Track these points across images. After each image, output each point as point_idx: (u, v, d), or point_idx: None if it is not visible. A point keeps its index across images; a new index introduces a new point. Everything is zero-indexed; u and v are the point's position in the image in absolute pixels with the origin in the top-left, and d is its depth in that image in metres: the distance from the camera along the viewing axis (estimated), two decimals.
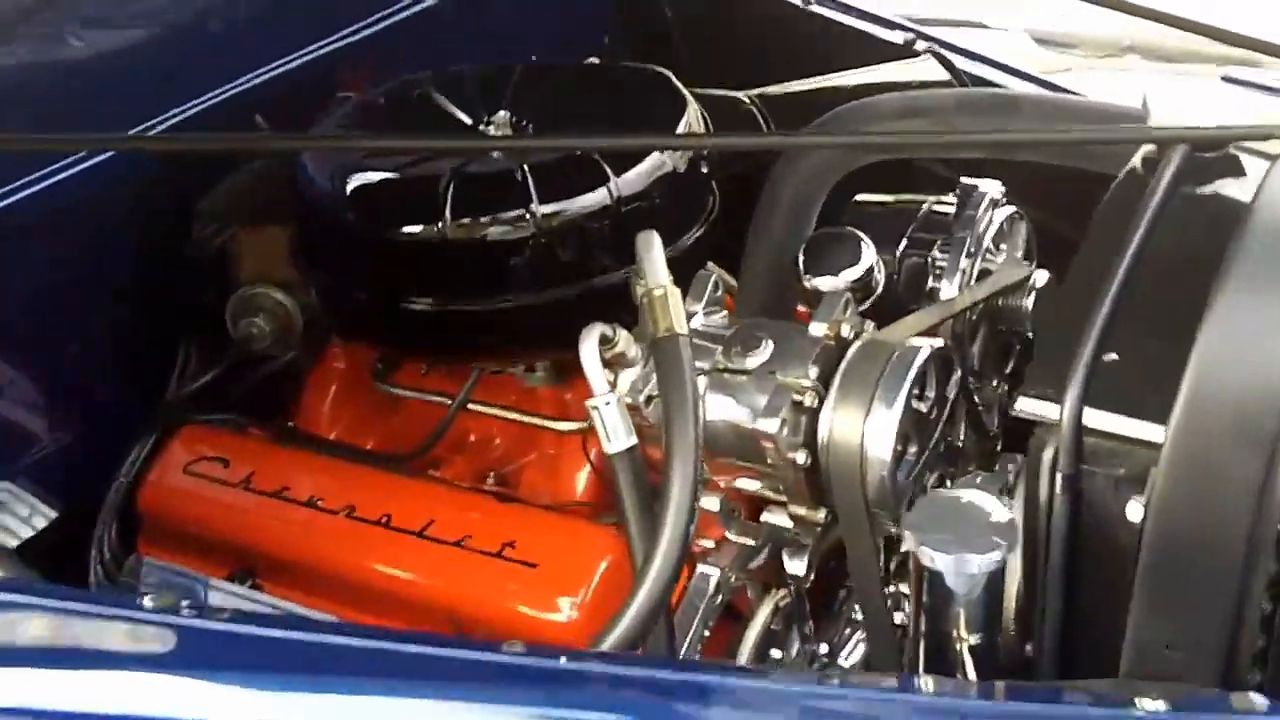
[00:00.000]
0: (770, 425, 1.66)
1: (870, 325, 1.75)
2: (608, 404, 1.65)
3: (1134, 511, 1.35)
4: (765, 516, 1.78)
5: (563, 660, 1.31)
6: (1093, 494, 1.39)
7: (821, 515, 1.71)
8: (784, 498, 1.73)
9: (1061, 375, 1.41)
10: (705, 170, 2.02)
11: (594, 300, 1.89)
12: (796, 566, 1.78)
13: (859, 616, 1.84)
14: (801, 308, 1.92)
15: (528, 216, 1.85)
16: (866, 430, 1.62)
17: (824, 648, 1.86)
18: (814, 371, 1.68)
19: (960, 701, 1.33)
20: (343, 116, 2.15)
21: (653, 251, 1.69)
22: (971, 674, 1.46)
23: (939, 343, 1.70)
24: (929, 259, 1.93)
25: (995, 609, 1.47)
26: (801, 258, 1.87)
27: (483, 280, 1.89)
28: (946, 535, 1.42)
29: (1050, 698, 1.34)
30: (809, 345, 1.70)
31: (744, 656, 1.79)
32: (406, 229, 1.89)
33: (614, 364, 1.73)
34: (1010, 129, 1.86)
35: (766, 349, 1.72)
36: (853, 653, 1.90)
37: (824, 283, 1.85)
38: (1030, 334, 1.93)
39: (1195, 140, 1.61)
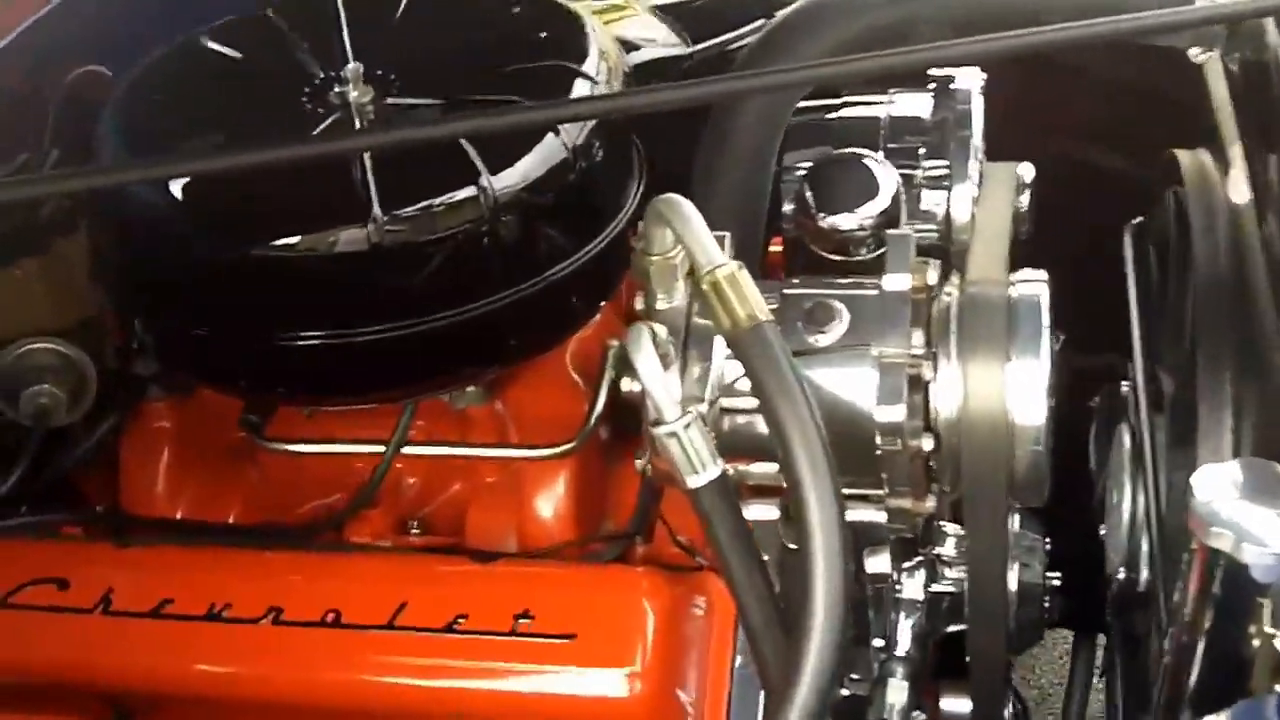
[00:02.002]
0: (894, 413, 1.33)
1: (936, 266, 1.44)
2: (688, 425, 1.28)
3: None
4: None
5: None
6: None
7: (930, 505, 1.42)
8: (880, 490, 1.41)
9: None
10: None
11: (559, 294, 1.50)
12: (879, 564, 1.48)
13: None
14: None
15: (480, 197, 1.42)
16: (1010, 396, 1.33)
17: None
18: (919, 337, 1.36)
19: None
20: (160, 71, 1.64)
21: (693, 224, 1.30)
22: None
23: (1042, 274, 1.42)
24: (918, 170, 1.64)
25: None
26: (810, 194, 1.53)
27: (420, 289, 1.45)
28: (1246, 518, 1.14)
29: None
30: (897, 305, 1.38)
31: None
32: (298, 238, 1.43)
33: None
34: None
35: (842, 319, 1.39)
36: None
37: (845, 220, 1.52)
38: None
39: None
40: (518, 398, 1.66)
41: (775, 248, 1.73)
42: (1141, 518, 1.65)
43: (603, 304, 1.59)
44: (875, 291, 1.40)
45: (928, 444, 1.35)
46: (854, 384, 1.35)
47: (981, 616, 1.51)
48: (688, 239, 1.28)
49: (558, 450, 1.59)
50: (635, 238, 1.41)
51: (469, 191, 1.42)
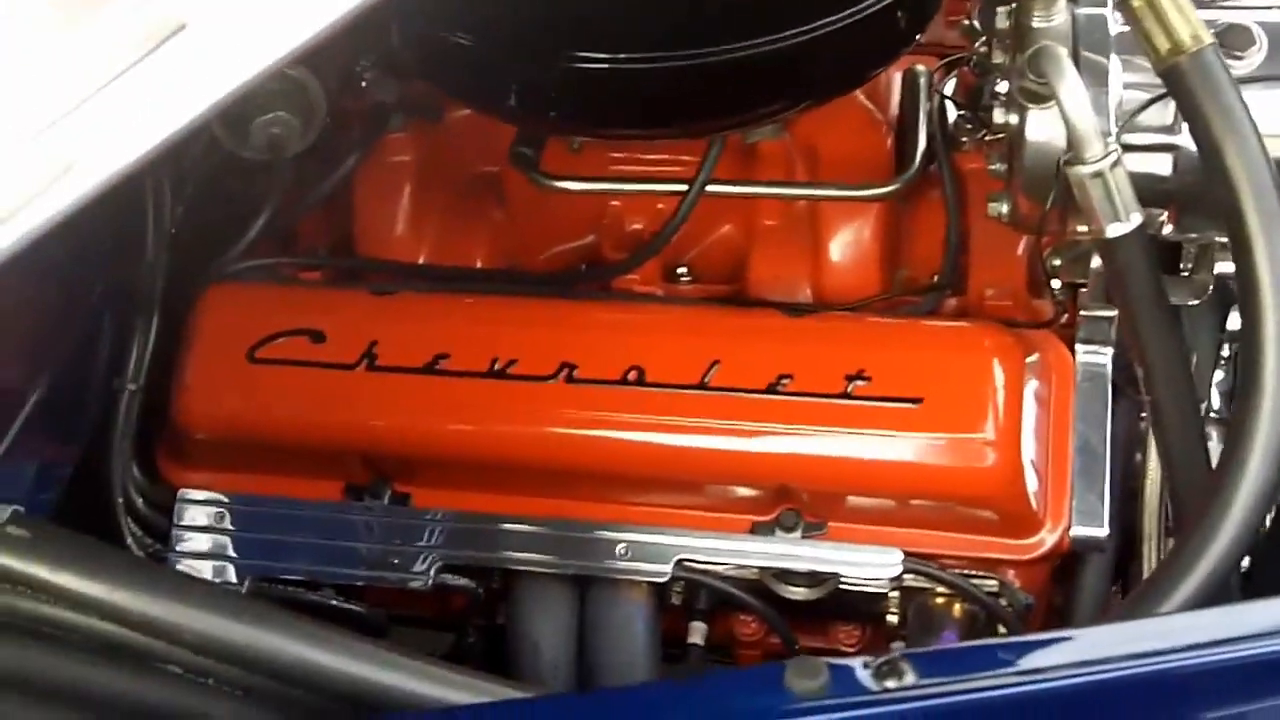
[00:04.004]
0: None
1: None
2: (1115, 164, 1.10)
3: None
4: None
5: None
6: None
7: None
8: None
9: None
10: None
11: (883, 19, 1.29)
12: None
13: None
14: None
15: None
16: None
17: None
18: None
19: None
20: None
21: None
22: None
23: None
24: None
25: None
26: None
27: (737, 9, 1.24)
28: None
29: None
30: None
31: None
32: None
33: None
34: None
35: (1261, 44, 1.20)
36: None
37: None
38: None
39: None
40: (811, 132, 1.47)
41: None
42: None
43: (923, 30, 1.39)
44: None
45: None
46: None
47: None
48: None
49: (884, 190, 1.42)
50: None
51: None
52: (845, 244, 1.48)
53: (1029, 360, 1.35)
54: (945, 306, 1.48)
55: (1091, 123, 1.10)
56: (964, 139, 1.46)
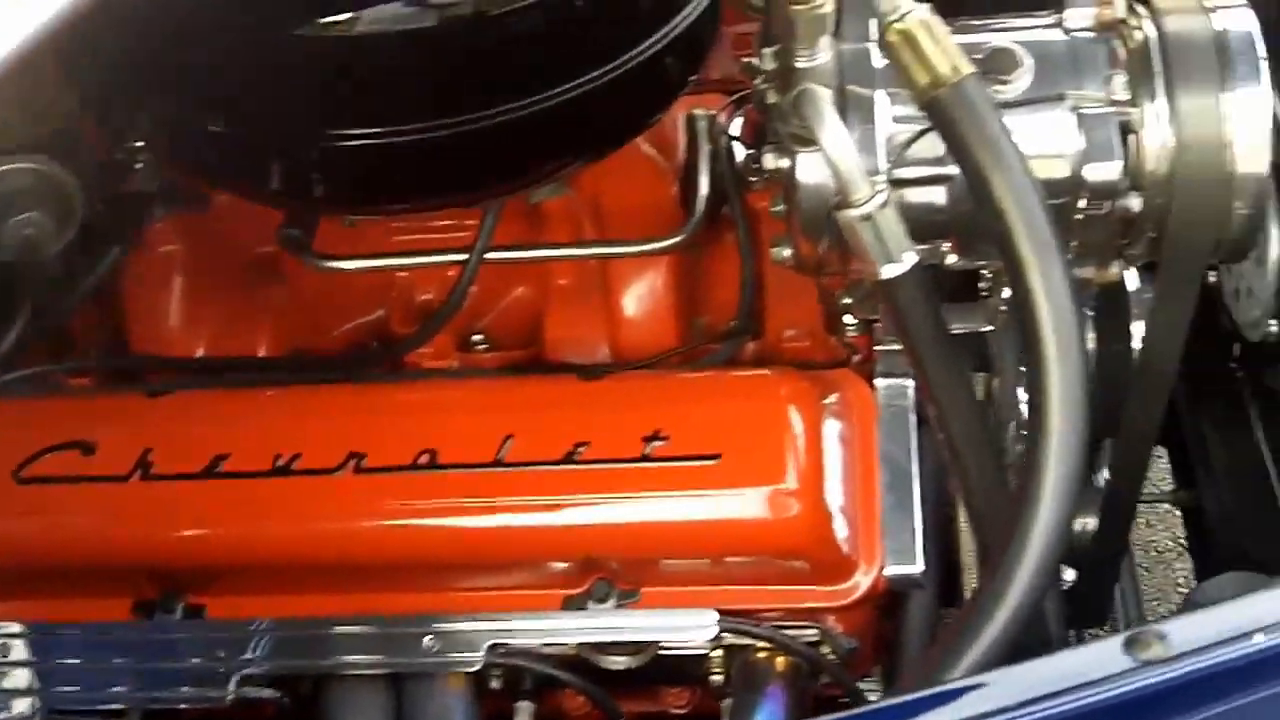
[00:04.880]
0: (1108, 170, 1.14)
1: None
2: (883, 205, 1.07)
3: None
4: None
5: None
6: None
7: (1116, 272, 1.24)
8: None
9: None
10: None
11: (656, 66, 1.26)
12: None
13: None
14: None
15: None
16: (1235, 139, 1.14)
17: None
18: (1119, 81, 1.16)
19: None
20: None
21: None
22: None
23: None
24: None
25: None
26: None
27: (509, 68, 1.20)
28: None
29: None
30: (1089, 46, 1.18)
31: None
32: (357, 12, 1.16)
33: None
34: None
35: (1027, 65, 1.18)
36: None
37: None
38: None
39: None
40: (596, 187, 1.43)
41: None
42: None
43: (698, 74, 1.36)
44: (1057, 31, 1.19)
45: (1135, 204, 1.16)
46: (1053, 141, 1.15)
47: (1153, 384, 1.35)
48: None
49: (668, 243, 1.38)
50: None
51: None
52: (639, 298, 1.44)
53: (828, 401, 1.32)
54: (745, 352, 1.45)
55: (855, 166, 1.07)
56: (753, 179, 1.43)
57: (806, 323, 1.43)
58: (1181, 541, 2.64)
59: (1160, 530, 2.79)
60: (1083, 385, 1.00)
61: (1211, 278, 1.66)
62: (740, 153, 1.46)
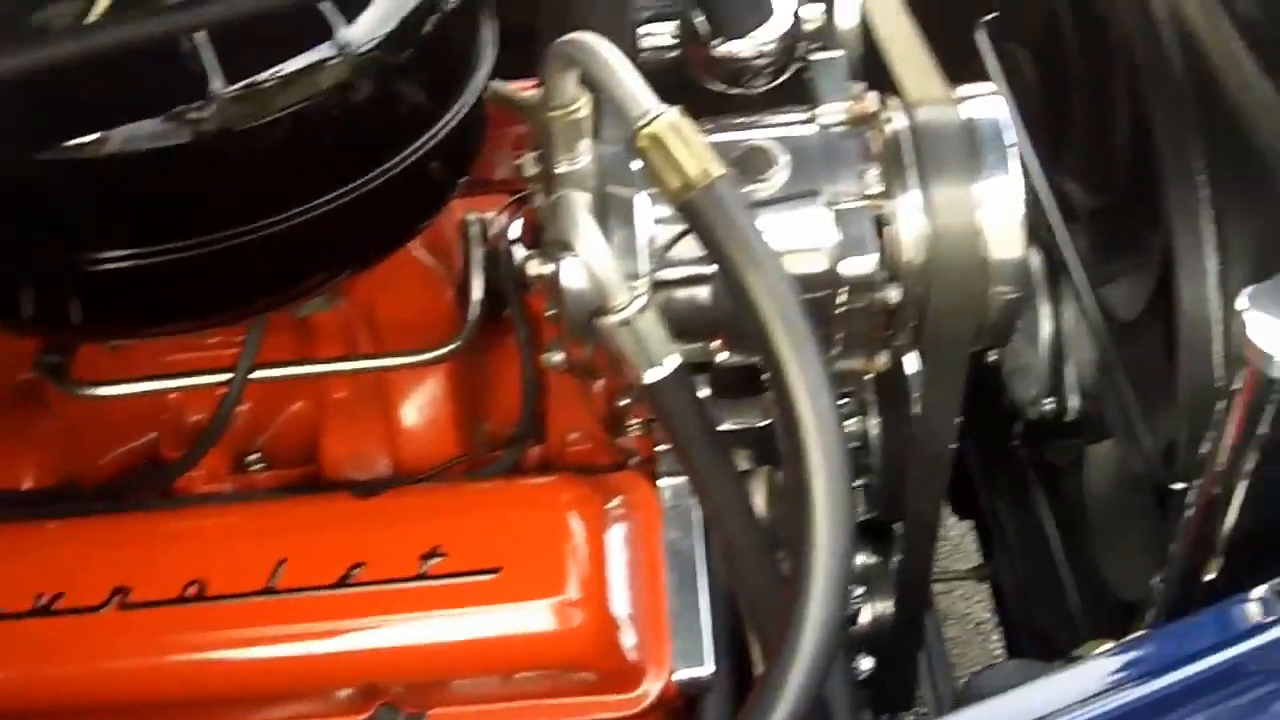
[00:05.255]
0: (864, 264, 1.15)
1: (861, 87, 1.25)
2: (642, 309, 1.06)
3: None
4: None
5: None
6: None
7: (883, 363, 1.25)
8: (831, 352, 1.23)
9: None
10: None
11: (424, 170, 1.25)
12: None
13: None
14: None
15: (335, 59, 1.15)
16: (985, 230, 1.16)
17: None
18: (873, 174, 1.17)
19: None
20: None
21: (616, 67, 1.06)
22: None
23: (990, 86, 1.24)
24: None
25: None
26: (699, 18, 1.31)
27: (267, 181, 1.17)
28: None
29: None
30: (842, 141, 1.19)
31: None
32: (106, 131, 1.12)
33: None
34: None
35: (782, 163, 1.18)
36: None
37: (744, 46, 1.30)
38: None
39: None
40: (367, 297, 1.40)
41: None
42: (1066, 341, 1.52)
43: (464, 177, 1.34)
44: (812, 127, 1.20)
45: (894, 295, 1.17)
46: (809, 237, 1.16)
47: (929, 468, 1.36)
48: (612, 85, 1.05)
49: (440, 352, 1.35)
50: (532, 91, 1.17)
51: (322, 53, 1.14)
52: (417, 409, 1.40)
53: (611, 505, 1.30)
54: (529, 458, 1.43)
55: (612, 271, 1.06)
56: (531, 282, 1.41)
57: (589, 425, 1.41)
58: None
59: (975, 602, 2.81)
60: (845, 480, 0.98)
61: (992, 356, 1.69)
62: (520, 254, 1.44)
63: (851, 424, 1.58)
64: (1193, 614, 1.07)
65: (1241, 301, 1.03)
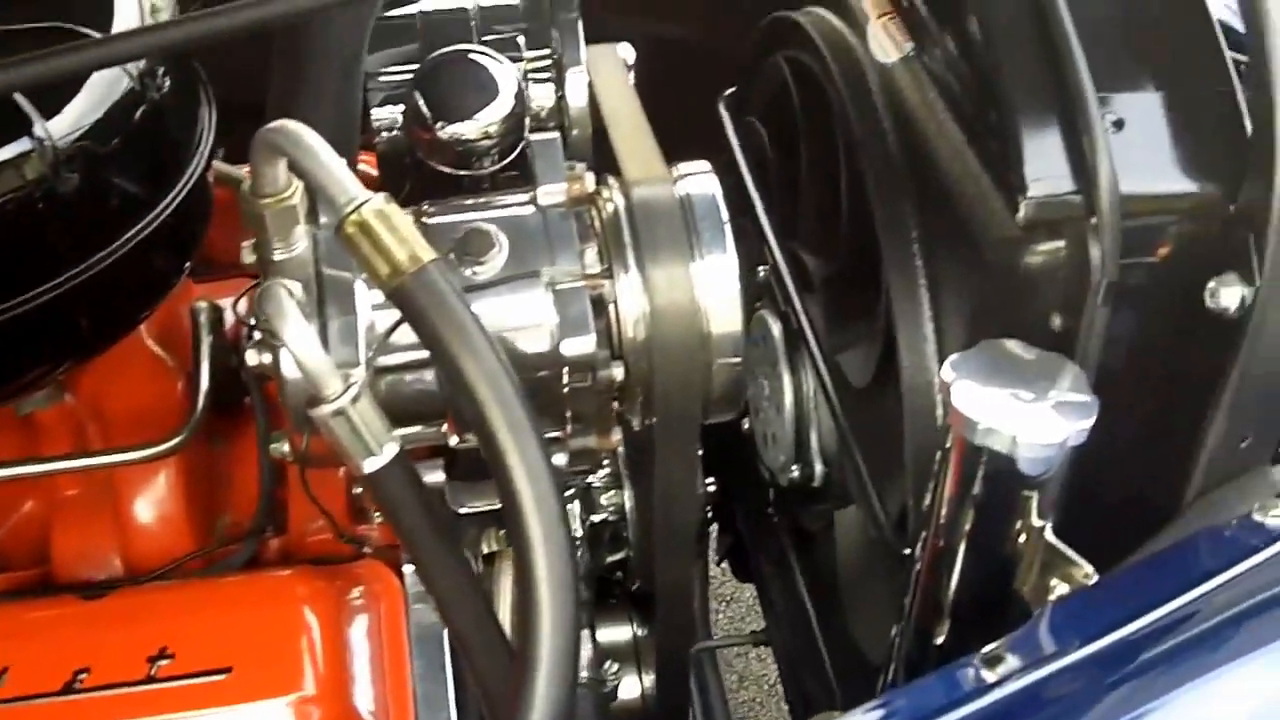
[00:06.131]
0: (583, 344, 1.15)
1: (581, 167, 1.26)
2: (356, 399, 1.05)
3: (1229, 297, 1.05)
4: None
5: None
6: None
7: (617, 439, 1.25)
8: (563, 431, 1.23)
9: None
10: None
11: (142, 258, 1.22)
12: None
13: None
14: None
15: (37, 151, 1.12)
16: (704, 304, 1.17)
17: None
18: (592, 254, 1.18)
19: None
20: None
21: (320, 155, 1.05)
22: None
23: (704, 165, 1.25)
24: (521, 62, 1.43)
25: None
26: (422, 101, 1.31)
27: None
28: (1009, 402, 1.03)
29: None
30: (560, 221, 1.19)
31: None
32: None
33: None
34: None
35: (501, 245, 1.18)
36: None
37: (468, 128, 1.31)
38: None
39: None
40: (94, 390, 1.36)
41: (363, 165, 1.49)
42: (808, 408, 1.54)
43: (188, 264, 1.32)
44: (531, 208, 1.20)
45: (618, 373, 1.18)
46: (530, 318, 1.16)
47: (674, 541, 1.36)
48: (318, 173, 1.04)
49: (164, 447, 1.31)
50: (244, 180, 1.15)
51: (22, 146, 1.11)
52: (148, 505, 1.36)
53: (351, 597, 1.28)
54: (268, 550, 1.40)
55: (322, 362, 1.04)
56: None
57: (331, 510, 1.38)
58: None
59: (770, 664, 2.84)
60: (568, 560, 0.98)
61: (746, 425, 1.71)
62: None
63: (609, 496, 1.59)
64: (919, 679, 1.09)
65: (946, 371, 1.05)
